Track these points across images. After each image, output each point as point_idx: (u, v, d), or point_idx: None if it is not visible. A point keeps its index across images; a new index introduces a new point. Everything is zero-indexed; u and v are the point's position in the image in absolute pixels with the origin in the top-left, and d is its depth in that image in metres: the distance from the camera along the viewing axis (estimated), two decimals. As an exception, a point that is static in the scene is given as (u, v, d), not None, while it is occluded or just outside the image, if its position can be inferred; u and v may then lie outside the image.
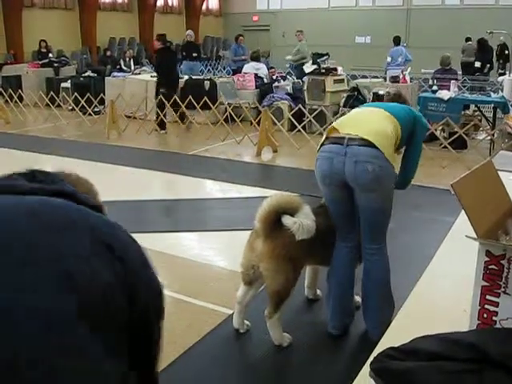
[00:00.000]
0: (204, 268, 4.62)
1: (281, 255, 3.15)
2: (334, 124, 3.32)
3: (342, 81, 11.13)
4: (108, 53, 19.17)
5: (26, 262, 0.96)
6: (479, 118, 9.85)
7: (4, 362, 0.87)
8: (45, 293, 0.95)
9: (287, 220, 3.06)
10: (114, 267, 1.07)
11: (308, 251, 3.25)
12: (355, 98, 10.22)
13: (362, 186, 3.10)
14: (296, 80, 12.90)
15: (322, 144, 3.28)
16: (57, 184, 1.16)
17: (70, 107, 12.29)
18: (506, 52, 15.22)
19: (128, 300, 1.09)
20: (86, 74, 14.03)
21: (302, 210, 3.10)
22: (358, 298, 3.68)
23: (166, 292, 3.57)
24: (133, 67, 15.68)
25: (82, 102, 11.61)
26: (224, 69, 18.73)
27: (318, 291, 3.99)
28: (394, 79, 10.95)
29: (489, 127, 9.53)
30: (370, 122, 3.24)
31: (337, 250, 3.41)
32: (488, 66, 12.25)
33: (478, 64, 12.02)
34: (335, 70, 10.99)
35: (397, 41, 13.78)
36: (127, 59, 16.94)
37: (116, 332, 1.05)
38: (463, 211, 1.69)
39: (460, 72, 13.34)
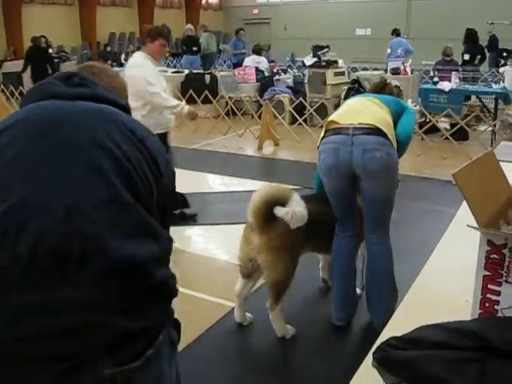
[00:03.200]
0: (207, 261, 4.63)
1: (277, 246, 3.17)
2: (332, 117, 3.32)
3: (342, 73, 11.11)
4: (108, 48, 19.14)
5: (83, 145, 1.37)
6: (481, 108, 9.83)
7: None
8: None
9: (279, 211, 3.07)
10: (138, 147, 1.43)
11: (304, 239, 3.28)
12: (356, 91, 10.18)
13: (370, 174, 3.11)
14: (297, 73, 12.89)
15: (323, 137, 3.28)
16: (91, 87, 1.54)
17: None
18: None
19: (153, 173, 1.45)
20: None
21: (292, 199, 3.11)
22: (358, 290, 3.70)
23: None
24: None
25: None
26: (225, 62, 18.70)
27: None
28: (395, 71, 10.92)
29: (490, 118, 9.52)
30: (370, 111, 3.24)
31: (337, 240, 3.43)
32: (478, 57, 12.05)
33: (466, 57, 11.79)
34: (336, 62, 10.96)
35: (396, 32, 13.71)
36: (129, 54, 16.92)
37: (149, 197, 1.42)
38: (465, 202, 1.69)
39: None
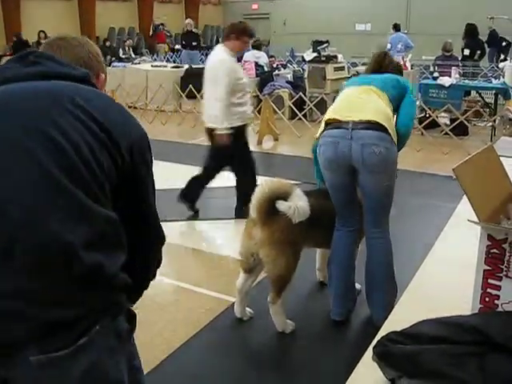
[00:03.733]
0: (207, 256, 4.64)
1: (280, 240, 3.17)
2: (331, 114, 3.28)
3: (342, 68, 11.09)
4: (107, 43, 19.11)
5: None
6: (482, 105, 9.82)
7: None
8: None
9: (282, 206, 3.08)
10: (96, 133, 1.39)
11: (306, 233, 3.28)
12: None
13: (369, 168, 3.12)
14: (297, 68, 12.88)
15: (323, 131, 3.27)
16: (43, 65, 1.49)
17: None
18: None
19: (110, 154, 1.40)
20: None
21: (294, 193, 3.12)
22: (357, 285, 3.70)
23: (170, 280, 3.59)
24: (134, 56, 15.64)
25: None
26: (224, 58, 18.64)
27: None
28: (395, 66, 10.90)
29: (491, 113, 9.51)
30: (370, 105, 3.21)
31: (337, 235, 3.43)
32: (478, 52, 12.02)
33: (466, 52, 11.76)
34: (335, 57, 10.95)
35: (396, 27, 13.69)
36: (126, 49, 16.90)
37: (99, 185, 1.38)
38: (465, 197, 1.69)
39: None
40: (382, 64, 3.57)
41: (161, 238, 1.65)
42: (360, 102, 3.29)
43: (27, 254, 1.28)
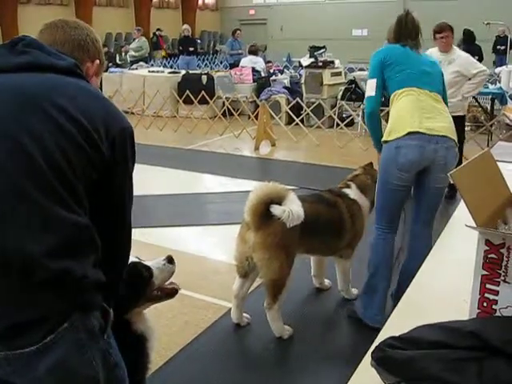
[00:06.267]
0: (203, 262, 4.63)
1: (273, 244, 3.17)
2: (412, 125, 3.23)
3: (339, 74, 11.12)
4: (105, 48, 19.09)
5: None
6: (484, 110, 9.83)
7: None
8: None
9: (276, 210, 3.08)
10: (72, 134, 1.39)
11: (299, 238, 3.28)
12: (353, 91, 10.22)
13: (447, 170, 3.17)
14: (294, 73, 12.90)
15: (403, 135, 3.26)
16: (31, 55, 1.48)
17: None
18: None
19: (86, 153, 1.41)
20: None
21: (289, 197, 3.12)
22: (354, 290, 3.69)
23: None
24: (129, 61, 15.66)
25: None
26: (221, 63, 18.70)
27: (327, 281, 4.00)
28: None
29: (487, 118, 9.52)
30: (444, 116, 3.32)
31: (385, 241, 3.43)
32: (476, 57, 12.05)
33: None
34: (332, 62, 10.97)
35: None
36: (123, 54, 16.92)
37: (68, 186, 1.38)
38: (462, 202, 1.69)
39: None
40: (417, 40, 3.50)
41: (129, 236, 1.71)
42: (435, 111, 3.31)
43: None
